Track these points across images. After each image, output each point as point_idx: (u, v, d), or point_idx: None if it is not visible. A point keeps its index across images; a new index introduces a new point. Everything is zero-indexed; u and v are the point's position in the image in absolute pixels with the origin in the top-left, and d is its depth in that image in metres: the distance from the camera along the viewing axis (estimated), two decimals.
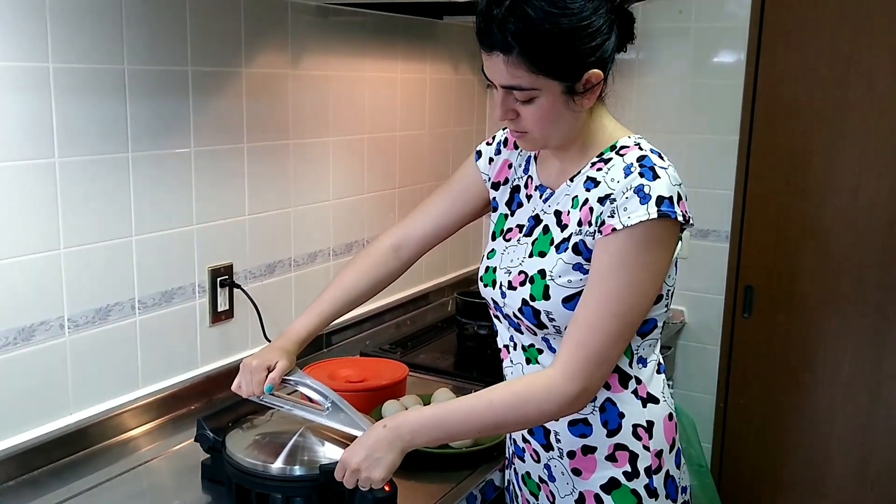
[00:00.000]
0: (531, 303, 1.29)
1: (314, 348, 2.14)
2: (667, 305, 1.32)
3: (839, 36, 2.51)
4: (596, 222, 1.23)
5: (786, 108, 2.61)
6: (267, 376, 1.39)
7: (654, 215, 1.18)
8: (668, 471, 1.35)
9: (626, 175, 1.22)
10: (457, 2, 1.79)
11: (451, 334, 2.42)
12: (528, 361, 1.37)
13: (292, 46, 2.01)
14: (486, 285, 1.40)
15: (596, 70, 1.21)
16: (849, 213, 2.57)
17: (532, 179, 1.40)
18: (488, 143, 1.50)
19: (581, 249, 1.25)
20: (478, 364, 2.18)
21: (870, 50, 2.48)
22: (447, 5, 2.09)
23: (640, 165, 1.22)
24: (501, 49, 1.18)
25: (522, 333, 1.37)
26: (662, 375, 1.38)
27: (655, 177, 1.20)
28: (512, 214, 1.42)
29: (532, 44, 1.17)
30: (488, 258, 1.42)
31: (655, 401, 1.34)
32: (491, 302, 1.41)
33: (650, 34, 2.71)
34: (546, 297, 1.27)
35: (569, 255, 1.26)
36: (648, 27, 2.70)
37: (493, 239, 1.44)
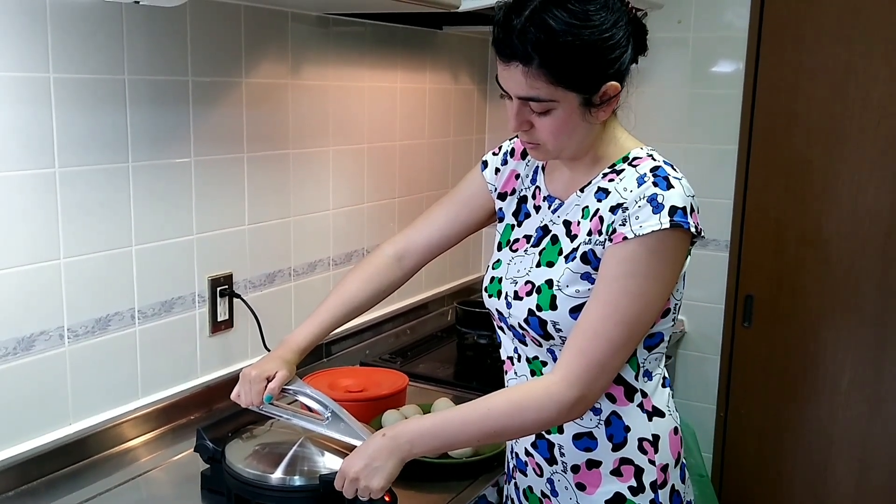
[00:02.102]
0: (538, 313, 1.28)
1: (314, 358, 2.14)
2: (674, 319, 1.31)
3: (837, 46, 2.52)
4: (607, 231, 1.22)
5: (785, 118, 2.61)
6: (266, 386, 1.39)
7: (667, 225, 1.17)
8: (673, 485, 1.34)
9: (640, 185, 1.21)
10: (456, 12, 1.79)
11: (450, 344, 2.42)
12: (533, 374, 1.36)
13: (292, 56, 2.02)
14: (490, 296, 1.39)
15: (614, 82, 1.20)
16: (848, 222, 2.58)
17: (540, 190, 1.39)
18: (494, 154, 1.48)
19: (590, 259, 1.24)
20: (478, 373, 2.18)
21: (868, 59, 2.49)
22: (447, 15, 2.10)
23: (653, 175, 1.21)
24: (521, 60, 1.17)
25: (527, 345, 1.35)
26: (668, 389, 1.37)
27: (669, 186, 1.20)
28: (519, 225, 1.41)
29: (553, 55, 1.15)
30: (493, 268, 1.40)
31: (661, 414, 1.33)
32: (495, 313, 1.39)
33: (649, 44, 2.71)
34: (553, 306, 1.26)
35: (577, 265, 1.25)
36: (647, 37, 2.70)
37: (499, 249, 1.42)
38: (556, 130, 1.22)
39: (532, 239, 1.36)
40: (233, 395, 1.42)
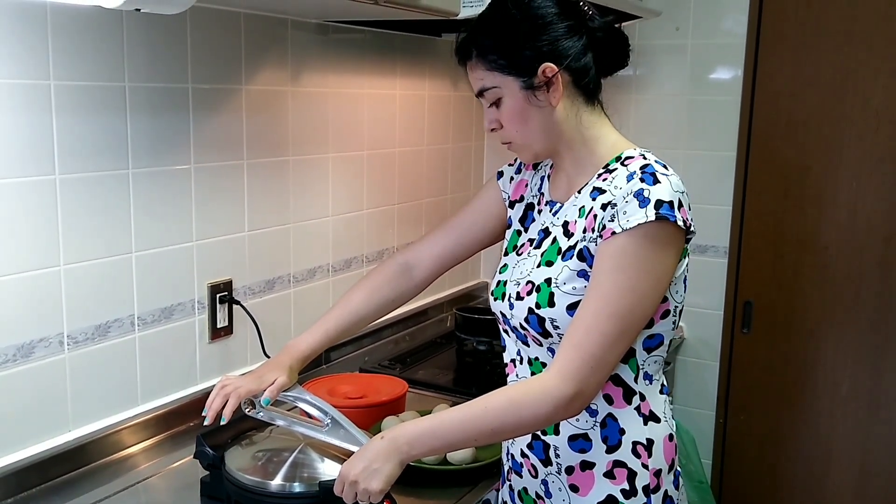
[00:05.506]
0: (536, 311, 1.29)
1: (313, 364, 2.13)
2: (674, 322, 1.32)
3: (835, 51, 2.53)
4: (598, 228, 1.24)
5: (783, 124, 2.62)
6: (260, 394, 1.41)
7: (652, 217, 1.19)
8: (666, 491, 1.34)
9: (629, 181, 1.23)
10: (455, 20, 1.80)
11: (450, 350, 2.42)
12: (534, 375, 1.36)
13: (292, 63, 2.02)
14: (496, 299, 1.41)
15: (549, 63, 1.26)
16: (847, 229, 2.58)
17: (544, 196, 1.43)
18: (510, 164, 1.53)
19: (586, 256, 1.26)
20: (477, 380, 2.18)
21: (866, 65, 2.50)
22: (445, 23, 2.11)
23: (642, 172, 1.24)
24: (465, 57, 1.32)
25: (529, 346, 1.36)
26: (665, 396, 1.37)
27: (656, 182, 1.22)
28: (525, 231, 1.44)
29: (483, 40, 1.28)
30: (500, 273, 1.43)
31: (657, 419, 1.34)
32: (500, 315, 1.41)
33: (647, 51, 2.72)
34: (551, 304, 1.28)
35: (574, 263, 1.27)
36: (645, 44, 2.72)
37: (506, 255, 1.45)
38: (511, 118, 1.31)
39: (535, 242, 1.38)
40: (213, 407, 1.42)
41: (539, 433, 1.37)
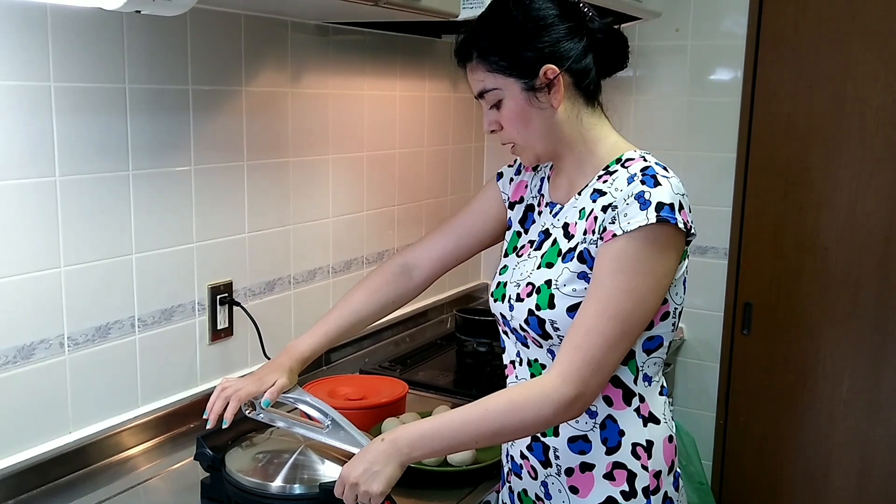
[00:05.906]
0: (537, 312, 1.29)
1: (313, 366, 2.13)
2: (674, 324, 1.32)
3: (835, 53, 2.53)
4: (599, 230, 1.25)
5: (782, 125, 2.62)
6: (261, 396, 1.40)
7: (653, 220, 1.19)
8: (666, 492, 1.34)
9: (629, 183, 1.24)
10: (455, 21, 1.80)
11: (450, 351, 2.42)
12: (533, 377, 1.37)
13: (292, 65, 2.03)
14: (496, 300, 1.41)
15: (550, 65, 1.26)
16: (846, 229, 2.58)
17: (543, 197, 1.43)
18: (510, 166, 1.53)
19: (586, 258, 1.26)
20: (477, 381, 2.18)
21: (865, 66, 2.50)
22: (445, 24, 2.11)
23: (642, 174, 1.24)
24: (465, 59, 1.31)
25: (528, 347, 1.37)
26: (665, 397, 1.38)
27: (657, 184, 1.22)
28: (525, 232, 1.44)
29: (484, 42, 1.28)
30: (500, 274, 1.43)
31: (656, 421, 1.34)
32: (500, 317, 1.41)
33: (647, 52, 2.73)
34: (551, 305, 1.28)
35: (574, 264, 1.27)
36: (645, 45, 2.72)
37: (506, 256, 1.45)
38: (511, 119, 1.30)
39: (535, 243, 1.39)
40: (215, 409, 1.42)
41: (539, 435, 1.37)
